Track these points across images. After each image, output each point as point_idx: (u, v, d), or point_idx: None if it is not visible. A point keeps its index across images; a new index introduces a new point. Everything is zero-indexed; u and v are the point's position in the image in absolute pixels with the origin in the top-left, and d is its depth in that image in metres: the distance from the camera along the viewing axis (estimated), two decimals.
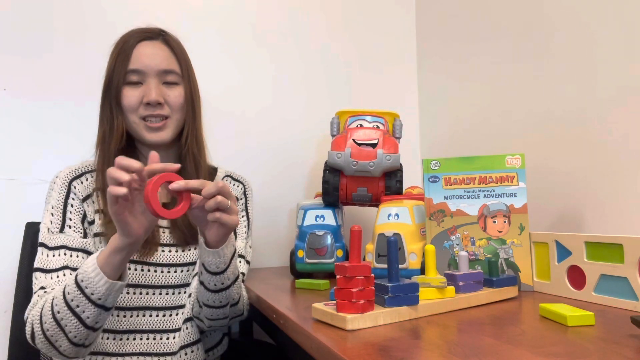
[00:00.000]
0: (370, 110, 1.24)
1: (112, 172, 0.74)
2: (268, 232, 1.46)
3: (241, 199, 1.12)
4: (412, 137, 1.64)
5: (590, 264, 0.81)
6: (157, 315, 0.98)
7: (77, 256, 0.92)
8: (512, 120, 1.24)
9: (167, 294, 0.99)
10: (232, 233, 0.87)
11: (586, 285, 0.82)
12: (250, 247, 1.11)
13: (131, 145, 1.02)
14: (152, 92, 0.95)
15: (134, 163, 0.74)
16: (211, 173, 1.10)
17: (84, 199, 0.96)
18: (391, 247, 0.71)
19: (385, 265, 0.94)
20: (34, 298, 0.88)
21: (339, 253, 1.13)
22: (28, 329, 0.85)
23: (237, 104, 1.47)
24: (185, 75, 1.01)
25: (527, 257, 0.92)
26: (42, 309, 0.83)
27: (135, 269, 0.96)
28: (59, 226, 0.93)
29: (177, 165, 0.77)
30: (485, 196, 0.95)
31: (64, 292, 0.81)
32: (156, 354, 0.96)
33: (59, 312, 0.81)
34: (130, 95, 0.96)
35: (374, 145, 1.13)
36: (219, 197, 0.78)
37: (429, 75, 1.63)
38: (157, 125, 0.97)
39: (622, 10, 0.95)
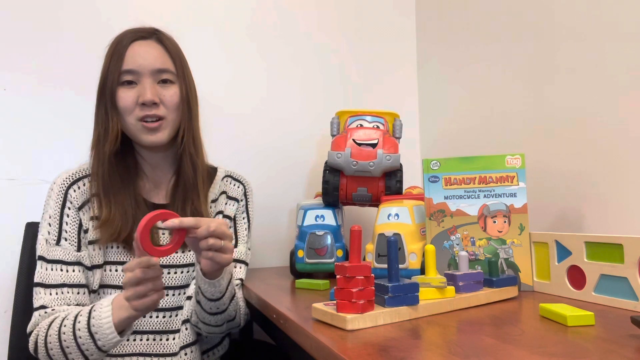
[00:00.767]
0: (370, 110, 1.24)
1: (140, 291, 0.78)
2: (268, 232, 1.46)
3: (242, 200, 1.11)
4: (412, 137, 1.64)
5: (590, 264, 0.81)
6: (157, 316, 0.98)
7: (74, 271, 0.93)
8: (512, 120, 1.24)
9: (166, 295, 0.99)
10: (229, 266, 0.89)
11: (586, 285, 0.82)
12: (249, 249, 1.11)
13: (127, 147, 1.00)
14: (147, 91, 0.94)
15: (151, 269, 0.78)
16: (210, 173, 1.09)
17: (80, 207, 0.96)
18: (391, 247, 0.71)
19: (385, 265, 0.94)
20: (35, 316, 0.90)
21: (339, 253, 1.13)
22: (31, 344, 0.88)
23: (238, 104, 1.47)
24: (180, 74, 0.99)
25: (527, 257, 0.92)
26: (48, 334, 0.86)
27: None
28: (56, 238, 0.94)
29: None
30: (485, 196, 0.95)
31: (74, 332, 0.83)
32: (156, 355, 0.96)
33: (67, 347, 0.84)
34: (126, 96, 0.95)
35: (374, 145, 1.13)
36: (211, 240, 0.79)
37: (429, 75, 1.63)
38: (154, 126, 0.95)
39: (622, 11, 0.95)
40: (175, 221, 0.75)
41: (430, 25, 1.62)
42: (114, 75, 0.95)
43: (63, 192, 0.96)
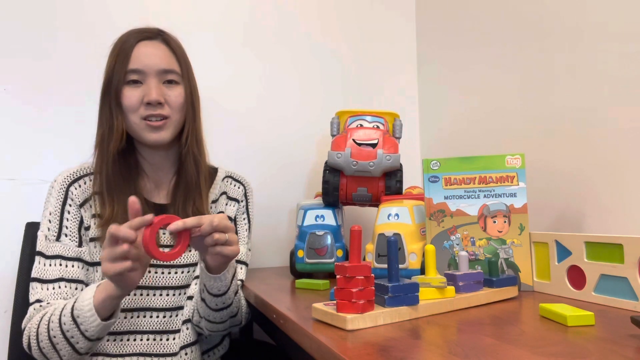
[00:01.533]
0: (370, 110, 1.24)
1: (114, 251, 0.73)
2: (268, 232, 1.46)
3: (242, 201, 1.12)
4: (412, 137, 1.64)
5: (590, 264, 0.81)
6: (158, 317, 0.98)
7: (73, 266, 0.93)
8: (512, 120, 1.24)
9: (167, 295, 0.99)
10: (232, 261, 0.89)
11: (586, 285, 0.82)
12: (249, 250, 1.11)
13: (129, 147, 1.01)
14: (153, 91, 0.94)
15: (129, 233, 0.73)
16: (211, 174, 1.09)
17: (82, 204, 0.96)
18: (391, 247, 0.71)
19: (385, 265, 0.94)
20: (30, 310, 0.90)
21: (339, 253, 1.13)
22: (25, 340, 0.88)
23: (238, 104, 1.47)
24: (184, 75, 1.00)
25: (527, 257, 0.92)
26: (39, 326, 0.85)
27: None
28: (56, 234, 0.94)
29: (150, 216, 0.75)
30: (485, 196, 0.95)
31: (60, 320, 0.83)
32: (156, 355, 0.96)
33: (54, 337, 0.83)
34: (131, 95, 0.95)
35: (374, 145, 1.13)
36: (216, 235, 0.79)
37: (429, 75, 1.63)
38: (158, 125, 0.96)
39: (622, 11, 0.95)
40: (178, 223, 0.76)
41: (430, 25, 1.62)
42: (119, 74, 0.95)
43: (64, 189, 0.96)
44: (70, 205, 0.96)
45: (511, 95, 1.25)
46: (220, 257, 0.82)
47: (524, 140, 1.19)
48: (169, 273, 0.99)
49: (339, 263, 0.69)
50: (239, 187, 1.12)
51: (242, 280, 1.05)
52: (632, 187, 0.93)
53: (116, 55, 0.96)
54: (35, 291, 0.90)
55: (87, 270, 0.95)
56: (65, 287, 0.91)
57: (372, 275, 0.68)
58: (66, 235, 0.94)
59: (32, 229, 1.16)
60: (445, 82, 1.54)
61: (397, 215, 1.02)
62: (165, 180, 1.04)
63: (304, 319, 0.72)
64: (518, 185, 0.94)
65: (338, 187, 1.16)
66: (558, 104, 1.10)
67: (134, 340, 0.96)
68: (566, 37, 1.08)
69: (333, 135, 1.21)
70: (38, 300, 0.90)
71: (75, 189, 0.96)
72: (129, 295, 0.95)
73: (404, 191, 1.19)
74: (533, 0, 1.17)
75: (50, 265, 0.92)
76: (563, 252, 0.86)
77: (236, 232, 1.09)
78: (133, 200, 0.77)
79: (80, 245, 0.95)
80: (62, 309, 0.84)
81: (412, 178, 1.46)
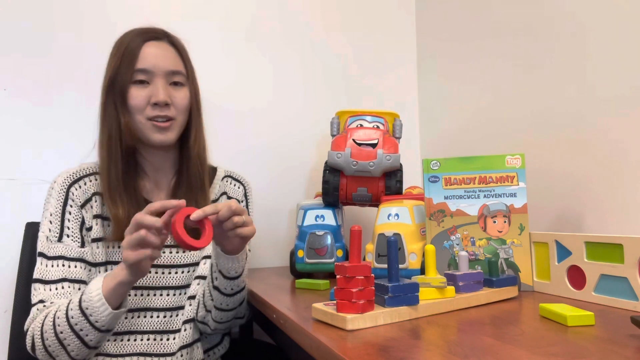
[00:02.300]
0: (370, 110, 1.24)
1: (136, 238, 0.77)
2: (268, 232, 1.46)
3: (242, 201, 1.12)
4: (412, 137, 1.64)
5: (590, 264, 0.81)
6: (158, 317, 0.98)
7: (75, 266, 0.93)
8: (512, 120, 1.24)
9: (167, 295, 0.99)
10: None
11: (586, 285, 0.82)
12: (249, 250, 1.11)
13: (131, 146, 1.00)
14: (160, 92, 0.95)
15: (155, 222, 0.77)
16: (210, 173, 1.09)
17: (83, 205, 0.96)
18: (391, 247, 0.71)
19: (385, 265, 0.94)
20: (33, 311, 0.89)
21: (339, 253, 1.13)
22: (28, 340, 0.87)
23: (237, 104, 1.47)
24: (189, 76, 1.01)
25: (527, 257, 0.92)
26: (43, 324, 0.85)
27: None
28: (57, 235, 0.93)
29: (183, 201, 0.79)
30: (485, 196, 0.95)
31: (67, 314, 0.82)
32: (157, 355, 0.96)
33: (61, 333, 0.83)
34: (137, 95, 0.95)
35: (374, 145, 1.13)
36: (235, 218, 0.81)
37: (429, 76, 1.63)
38: (164, 126, 0.96)
39: (623, 11, 0.95)
40: (199, 212, 0.78)
41: (430, 26, 1.62)
42: (126, 74, 0.95)
43: (64, 190, 0.96)
44: (71, 206, 0.95)
45: (511, 95, 1.25)
46: (239, 239, 0.85)
47: (524, 140, 1.19)
48: (169, 273, 0.99)
49: (339, 263, 0.69)
50: (238, 187, 1.12)
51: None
52: (632, 188, 0.93)
53: (122, 54, 0.95)
54: (38, 292, 0.90)
55: (90, 271, 0.95)
56: (69, 287, 0.91)
57: (372, 275, 0.68)
58: (68, 236, 0.94)
59: (32, 229, 1.17)
60: (445, 82, 1.54)
61: (397, 215, 1.02)
62: (164, 181, 1.04)
63: (304, 319, 0.72)
64: (518, 185, 0.94)
65: (338, 187, 1.16)
66: (558, 104, 1.10)
67: (134, 340, 0.96)
68: (566, 37, 1.08)
69: (333, 135, 1.21)
70: (41, 301, 0.89)
71: (76, 189, 0.96)
72: (129, 296, 0.95)
73: (404, 191, 1.19)
74: (533, 1, 1.17)
75: (52, 266, 0.91)
76: (563, 252, 0.86)
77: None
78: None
79: (82, 245, 0.94)
80: (68, 304, 0.84)
81: (412, 178, 1.46)
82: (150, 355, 0.96)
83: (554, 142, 1.11)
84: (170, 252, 1.00)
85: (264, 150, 1.49)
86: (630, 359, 0.51)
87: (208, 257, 1.02)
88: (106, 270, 0.95)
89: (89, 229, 0.96)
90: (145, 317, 0.97)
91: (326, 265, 1.12)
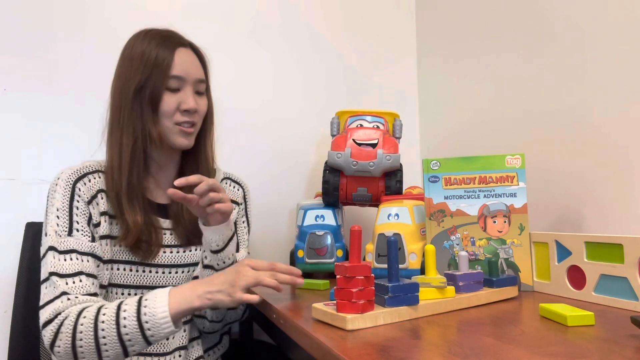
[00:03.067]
0: (370, 110, 1.24)
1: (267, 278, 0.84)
2: (268, 232, 1.46)
3: (241, 203, 1.12)
4: (412, 137, 1.64)
5: (590, 264, 0.81)
6: None
7: (88, 261, 0.90)
8: (512, 120, 1.24)
9: None
10: (231, 220, 0.95)
11: (586, 285, 0.82)
12: (248, 253, 1.12)
13: None
14: (191, 100, 0.97)
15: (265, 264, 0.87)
16: (211, 175, 1.10)
17: (89, 201, 0.95)
18: (391, 247, 0.71)
19: (385, 265, 0.94)
20: (57, 304, 0.84)
21: (339, 253, 1.13)
22: (49, 335, 0.82)
23: (237, 104, 1.47)
24: (208, 85, 1.05)
25: (527, 257, 0.92)
26: (77, 324, 0.81)
27: (137, 270, 0.96)
28: (67, 229, 0.91)
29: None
30: (485, 196, 0.95)
31: (117, 322, 0.81)
32: (156, 354, 0.96)
33: (104, 337, 0.81)
34: (170, 101, 0.96)
35: (374, 145, 1.13)
36: (212, 194, 0.87)
37: (429, 75, 1.63)
38: (190, 131, 0.99)
39: (623, 10, 0.95)
40: (182, 180, 0.86)
41: (430, 25, 1.62)
42: (161, 79, 0.95)
43: (70, 185, 0.94)
44: (77, 202, 0.94)
45: (511, 95, 1.25)
46: (218, 214, 0.90)
47: (524, 140, 1.19)
48: (169, 273, 0.99)
49: (339, 263, 0.69)
50: (238, 189, 1.13)
51: None
52: (632, 187, 0.93)
53: (154, 60, 0.95)
54: (58, 284, 0.86)
55: (98, 267, 0.93)
56: (87, 280, 0.88)
57: (372, 275, 0.68)
58: (77, 230, 0.92)
59: (32, 229, 1.17)
60: (445, 82, 1.54)
61: (397, 215, 1.02)
62: (166, 181, 1.04)
63: (304, 319, 0.72)
64: (518, 185, 0.94)
65: (338, 187, 1.16)
66: (558, 104, 1.10)
67: None
68: (567, 37, 1.08)
69: (333, 135, 1.21)
70: (64, 293, 0.85)
71: (82, 185, 0.95)
72: (130, 295, 0.95)
73: (404, 191, 1.19)
74: (534, 0, 1.17)
75: (65, 260, 0.88)
76: (563, 252, 0.86)
77: (236, 236, 1.09)
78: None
79: (92, 240, 0.93)
80: (118, 310, 0.82)
81: (412, 178, 1.46)
82: (150, 355, 0.96)
83: (554, 142, 1.11)
84: (171, 252, 1.00)
85: (263, 150, 1.49)
86: (630, 359, 0.51)
87: None
88: (112, 269, 0.95)
89: (97, 225, 0.94)
90: None
91: (326, 265, 1.12)
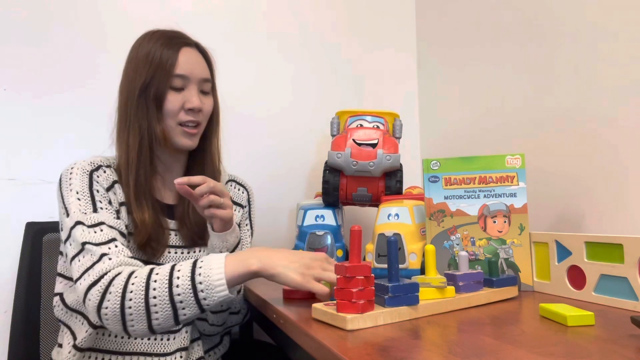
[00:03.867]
0: (370, 110, 1.24)
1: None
2: (268, 232, 1.46)
3: (245, 206, 1.13)
4: (412, 137, 1.64)
5: (590, 264, 0.81)
6: None
7: (118, 233, 0.89)
8: (512, 120, 1.24)
9: None
10: (237, 225, 0.96)
11: (586, 285, 0.82)
12: None
13: None
14: (195, 98, 0.97)
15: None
16: (215, 177, 1.10)
17: (108, 189, 0.94)
18: (391, 247, 0.71)
19: (385, 265, 0.94)
20: (100, 265, 0.80)
21: (339, 253, 1.13)
22: (96, 296, 0.78)
23: (237, 105, 1.47)
24: (214, 85, 1.05)
25: (527, 257, 0.92)
26: (129, 283, 0.77)
27: None
28: (91, 208, 0.88)
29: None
30: (485, 196, 0.95)
31: (170, 281, 0.77)
32: (157, 354, 0.96)
33: (154, 298, 0.76)
34: (174, 100, 0.96)
35: (374, 145, 1.13)
36: (211, 196, 0.87)
37: (429, 75, 1.63)
38: (193, 132, 0.99)
39: (623, 11, 0.95)
40: (183, 179, 0.85)
41: (430, 25, 1.62)
42: (164, 78, 0.95)
43: (87, 174, 0.92)
44: (97, 187, 0.92)
45: (511, 95, 1.25)
46: (218, 220, 0.90)
47: (524, 140, 1.19)
48: None
49: (339, 263, 0.69)
50: (242, 192, 1.13)
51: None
52: (632, 187, 0.93)
53: (158, 59, 0.95)
54: (94, 250, 0.82)
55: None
56: (122, 246, 0.85)
57: (372, 275, 0.68)
58: (102, 209, 0.89)
59: (32, 228, 1.17)
60: (445, 82, 1.54)
61: (397, 215, 1.02)
62: (172, 181, 1.04)
63: (304, 319, 0.72)
64: (518, 185, 0.94)
65: (338, 187, 1.16)
66: (558, 104, 1.10)
67: (135, 338, 0.96)
68: (567, 37, 1.08)
69: (333, 135, 1.21)
70: (104, 254, 0.82)
71: (99, 175, 0.94)
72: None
73: (404, 191, 1.19)
74: (534, 2, 1.17)
75: (95, 232, 0.85)
76: (563, 252, 0.86)
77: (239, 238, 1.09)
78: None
79: (118, 218, 0.91)
80: (172, 270, 0.78)
81: (412, 178, 1.46)
82: (150, 355, 0.96)
83: (554, 142, 1.11)
84: (176, 253, 1.00)
85: (263, 150, 1.49)
86: (630, 359, 0.51)
87: None
88: None
89: (117, 212, 0.93)
90: None
91: None
